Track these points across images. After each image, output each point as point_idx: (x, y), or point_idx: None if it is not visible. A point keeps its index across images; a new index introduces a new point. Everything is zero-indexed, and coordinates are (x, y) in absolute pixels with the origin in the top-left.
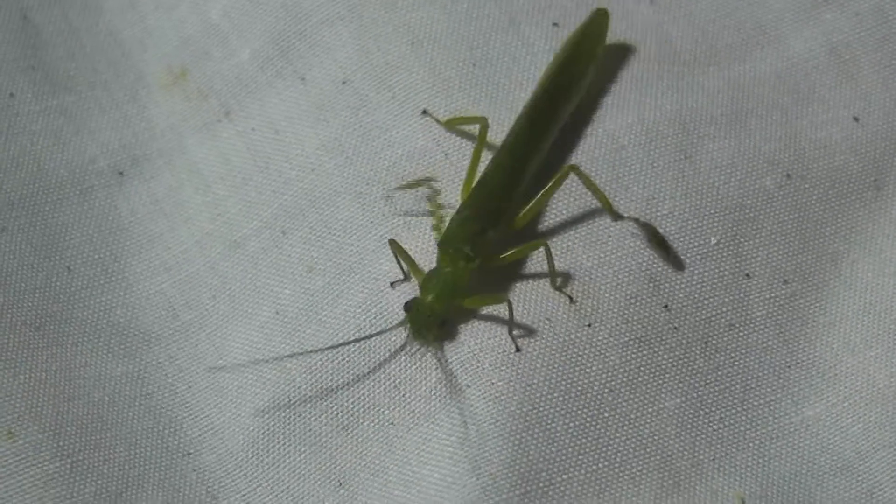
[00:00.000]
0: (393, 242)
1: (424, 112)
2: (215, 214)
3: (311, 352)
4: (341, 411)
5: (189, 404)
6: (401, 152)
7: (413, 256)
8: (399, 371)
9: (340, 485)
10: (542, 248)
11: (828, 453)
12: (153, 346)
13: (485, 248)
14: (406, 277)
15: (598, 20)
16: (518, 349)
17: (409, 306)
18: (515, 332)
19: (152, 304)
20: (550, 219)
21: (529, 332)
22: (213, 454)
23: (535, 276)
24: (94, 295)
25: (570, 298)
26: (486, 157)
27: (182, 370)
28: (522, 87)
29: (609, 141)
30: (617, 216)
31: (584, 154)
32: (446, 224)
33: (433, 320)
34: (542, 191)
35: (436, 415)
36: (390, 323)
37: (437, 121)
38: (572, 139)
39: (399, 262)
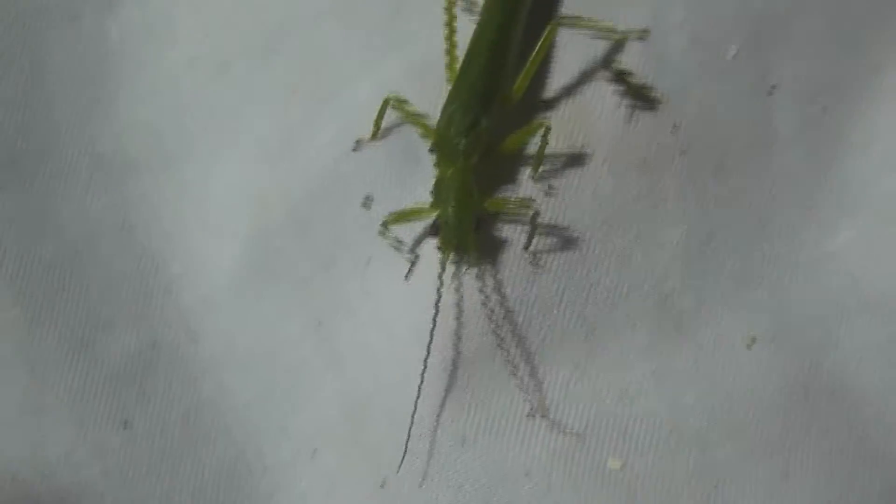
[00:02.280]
0: (392, 98)
1: None
2: (205, 35)
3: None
4: (320, 247)
5: (173, 237)
6: None
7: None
8: (376, 203)
9: (320, 325)
10: (542, 131)
11: (855, 288)
12: (139, 177)
13: (481, 139)
14: (374, 136)
15: None
16: (534, 259)
17: (436, 226)
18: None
19: (140, 133)
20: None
21: None
22: (196, 291)
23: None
24: (78, 125)
25: (549, 191)
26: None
27: (168, 202)
28: None
29: None
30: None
31: None
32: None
33: (467, 226)
34: (532, 55)
35: (413, 253)
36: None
37: None
38: None
39: (379, 116)
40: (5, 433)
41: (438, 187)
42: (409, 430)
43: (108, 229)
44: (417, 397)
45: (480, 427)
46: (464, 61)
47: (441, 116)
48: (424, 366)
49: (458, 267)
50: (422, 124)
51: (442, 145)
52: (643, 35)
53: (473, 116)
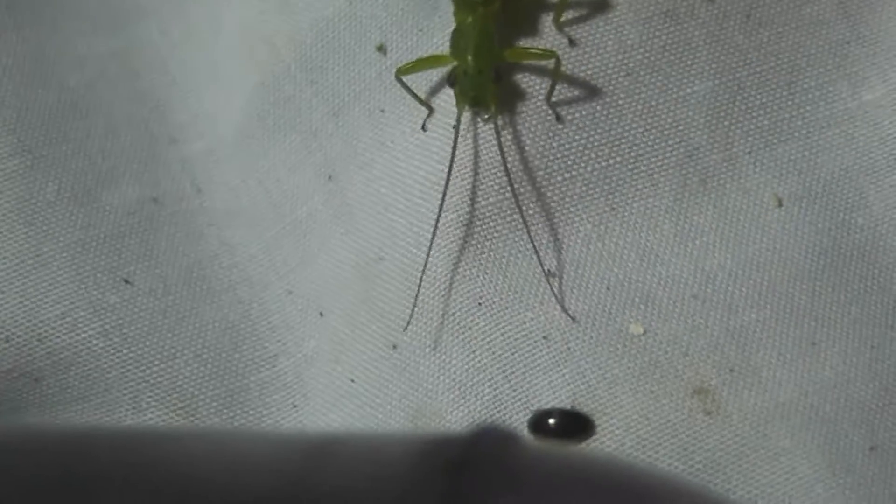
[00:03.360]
0: None
1: None
2: None
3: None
4: (332, 95)
5: (179, 85)
6: None
7: None
8: (391, 51)
9: (330, 178)
10: None
11: (885, 145)
12: (144, 20)
13: None
14: None
15: None
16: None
17: (453, 77)
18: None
19: None
20: None
21: None
22: (202, 141)
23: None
24: None
25: (570, 41)
26: None
27: (174, 46)
28: None
29: None
30: None
31: None
32: None
33: (486, 77)
34: None
35: (429, 103)
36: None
37: None
38: None
39: None
40: None
41: (457, 35)
42: (419, 285)
43: (111, 75)
44: (428, 254)
45: (497, 288)
46: None
47: None
48: (436, 222)
49: (475, 119)
50: None
51: None
52: None
53: None
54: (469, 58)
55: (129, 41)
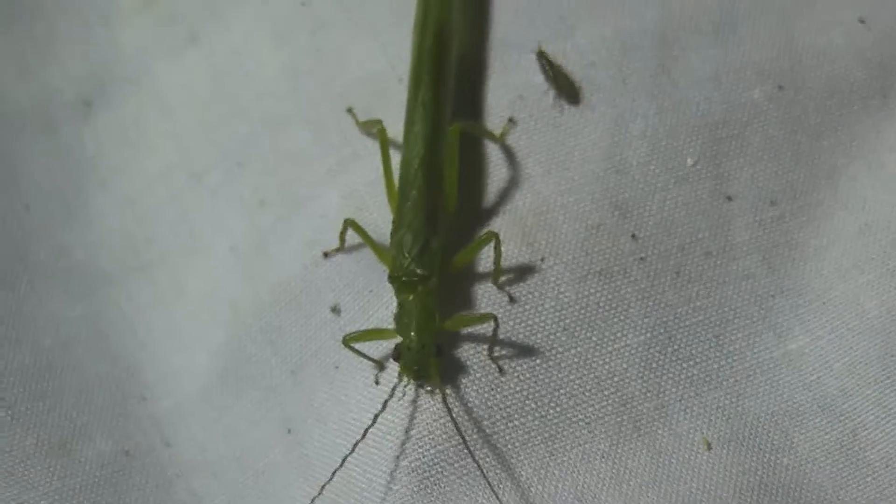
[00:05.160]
0: (350, 222)
1: (349, 110)
2: (178, 144)
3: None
4: (290, 354)
5: (147, 346)
6: (354, 76)
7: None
8: (344, 311)
9: (289, 431)
10: (492, 241)
11: (809, 391)
12: (113, 286)
13: (435, 261)
14: (340, 247)
15: None
16: (498, 365)
17: (397, 352)
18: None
19: (113, 241)
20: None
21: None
22: (170, 398)
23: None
24: (53, 234)
25: (510, 298)
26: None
27: (141, 310)
28: None
29: (579, 58)
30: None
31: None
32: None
33: (428, 352)
34: (448, 163)
35: (378, 360)
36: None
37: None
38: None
39: (342, 237)
40: None
41: (400, 313)
42: None
43: (82, 337)
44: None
45: None
46: (400, 185)
47: (391, 243)
48: (335, 462)
49: (419, 387)
50: (378, 251)
51: (399, 276)
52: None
53: (424, 239)
54: (413, 334)
55: (98, 305)
